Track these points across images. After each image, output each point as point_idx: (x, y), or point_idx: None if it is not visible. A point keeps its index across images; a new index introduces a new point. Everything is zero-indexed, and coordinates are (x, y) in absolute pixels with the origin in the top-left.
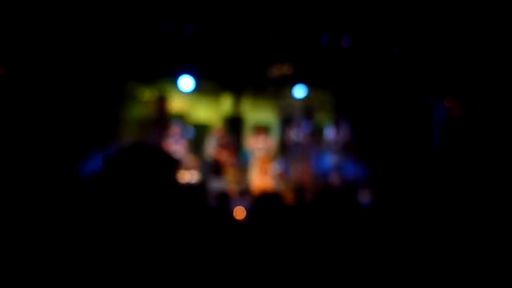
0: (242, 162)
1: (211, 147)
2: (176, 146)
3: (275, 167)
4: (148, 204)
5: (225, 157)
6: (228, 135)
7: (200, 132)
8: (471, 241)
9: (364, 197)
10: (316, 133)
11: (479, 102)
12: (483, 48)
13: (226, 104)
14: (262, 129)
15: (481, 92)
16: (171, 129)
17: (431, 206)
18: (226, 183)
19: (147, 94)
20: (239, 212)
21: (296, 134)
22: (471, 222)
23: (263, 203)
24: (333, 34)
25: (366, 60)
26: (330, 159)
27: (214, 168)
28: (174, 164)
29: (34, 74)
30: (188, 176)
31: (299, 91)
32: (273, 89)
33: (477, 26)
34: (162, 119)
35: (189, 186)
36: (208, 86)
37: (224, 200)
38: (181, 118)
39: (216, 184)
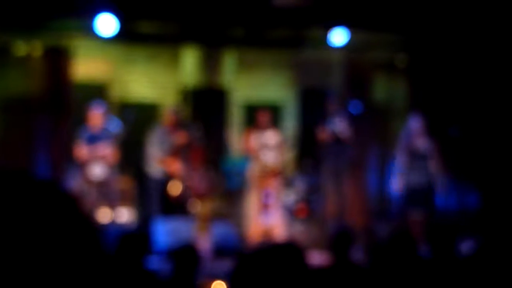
0: (224, 183)
1: (156, 150)
2: (102, 150)
3: (291, 192)
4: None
5: (185, 171)
6: (194, 127)
7: (138, 119)
8: None
9: (468, 247)
10: (375, 121)
11: None
12: None
13: (188, 66)
14: (264, 114)
15: None
16: (89, 116)
17: None
18: (194, 226)
19: (24, 49)
20: None
21: (335, 123)
22: None
23: (266, 266)
24: None
25: None
26: (410, 174)
27: (166, 197)
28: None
29: None
30: (116, 214)
31: (337, 36)
32: (282, 35)
33: None
34: (57, 95)
35: (120, 235)
36: (152, 31)
37: (189, 263)
38: (99, 91)
39: (170, 229)
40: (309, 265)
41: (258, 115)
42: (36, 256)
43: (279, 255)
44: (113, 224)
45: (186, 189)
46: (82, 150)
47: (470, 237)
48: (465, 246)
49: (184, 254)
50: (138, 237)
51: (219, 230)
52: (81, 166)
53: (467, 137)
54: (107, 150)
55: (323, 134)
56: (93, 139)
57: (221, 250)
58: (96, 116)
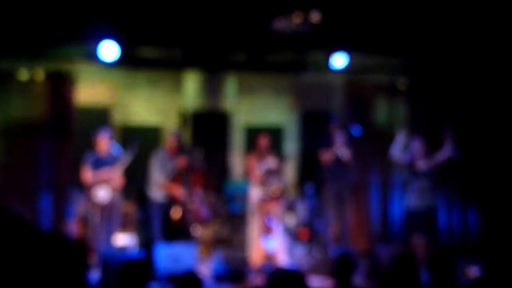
0: (226, 207)
1: (158, 174)
2: (108, 174)
3: (293, 216)
4: None
5: (187, 195)
6: (195, 150)
7: (141, 143)
8: None
9: (471, 272)
10: (376, 144)
11: None
12: None
13: (190, 90)
14: (264, 138)
15: None
16: (97, 141)
17: None
18: (197, 252)
19: (26, 74)
20: None
21: (338, 147)
22: None
23: None
24: None
25: None
26: (412, 197)
27: (168, 222)
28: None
29: None
30: (118, 238)
31: (338, 59)
32: (283, 59)
33: None
34: (60, 120)
35: (122, 263)
36: (154, 56)
37: None
38: (102, 116)
39: (172, 254)
40: None
41: (258, 139)
42: None
43: (283, 282)
44: (115, 248)
45: (187, 213)
46: (88, 174)
47: (474, 261)
48: (472, 272)
49: (187, 281)
50: (140, 264)
51: (221, 254)
52: (87, 189)
53: (469, 158)
54: (112, 174)
55: (325, 157)
56: (99, 164)
57: (222, 274)
58: (103, 141)
